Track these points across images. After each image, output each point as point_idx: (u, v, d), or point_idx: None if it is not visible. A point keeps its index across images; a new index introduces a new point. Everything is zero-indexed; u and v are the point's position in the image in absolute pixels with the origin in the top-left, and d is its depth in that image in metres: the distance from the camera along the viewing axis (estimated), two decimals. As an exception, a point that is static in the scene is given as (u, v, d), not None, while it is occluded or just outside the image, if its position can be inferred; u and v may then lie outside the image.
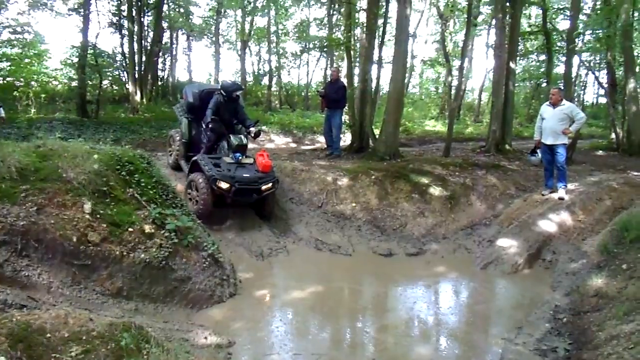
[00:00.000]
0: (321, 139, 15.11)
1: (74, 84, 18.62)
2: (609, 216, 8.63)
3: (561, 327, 5.91)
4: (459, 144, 15.64)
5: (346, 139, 14.50)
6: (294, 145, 15.51)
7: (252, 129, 9.02)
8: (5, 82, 18.40)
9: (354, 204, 9.40)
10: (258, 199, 8.43)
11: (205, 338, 5.11)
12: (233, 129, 9.01)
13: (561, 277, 7.42)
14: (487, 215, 9.46)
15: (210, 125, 8.65)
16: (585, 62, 22.46)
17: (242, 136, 8.77)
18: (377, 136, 13.00)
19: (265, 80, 26.73)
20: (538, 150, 9.53)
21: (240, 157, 8.47)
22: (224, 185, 8.02)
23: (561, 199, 9.13)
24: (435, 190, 9.70)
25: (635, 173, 11.53)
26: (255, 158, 8.62)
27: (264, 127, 15.72)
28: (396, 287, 7.40)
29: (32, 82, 19.02)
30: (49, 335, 2.75)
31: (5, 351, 2.57)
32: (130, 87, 19.16)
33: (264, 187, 8.28)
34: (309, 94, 26.82)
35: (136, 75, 19.12)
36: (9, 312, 3.28)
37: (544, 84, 21.91)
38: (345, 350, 5.57)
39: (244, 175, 8.22)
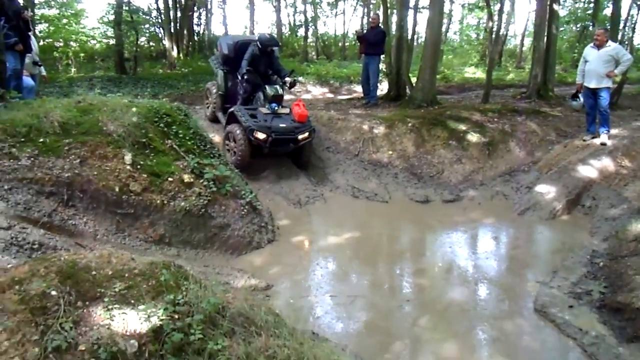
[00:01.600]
0: (358, 88, 15.03)
1: (112, 42, 18.89)
2: (653, 160, 8.48)
3: (597, 271, 5.93)
4: (499, 91, 15.33)
5: (383, 87, 14.40)
6: (330, 95, 15.49)
7: (287, 79, 9.09)
8: (45, 43, 18.78)
9: (390, 152, 9.44)
10: (295, 148, 8.54)
11: (245, 281, 5.34)
12: (269, 79, 9.10)
13: (600, 222, 7.38)
14: (525, 162, 9.38)
15: (245, 77, 8.74)
16: (637, 1, 21.49)
17: (278, 86, 8.84)
18: (414, 84, 12.90)
19: (302, 32, 26.55)
20: (580, 95, 9.34)
21: (276, 108, 8.55)
22: (260, 135, 8.12)
23: (603, 144, 8.94)
24: (473, 137, 9.64)
25: (684, 117, 11.21)
26: (291, 108, 8.69)
27: (300, 78, 15.72)
28: (432, 233, 7.48)
29: (71, 42, 19.38)
30: (94, 272, 2.95)
31: (56, 286, 2.78)
32: (166, 42, 19.34)
33: (300, 137, 8.37)
34: (346, 43, 26.54)
35: (172, 31, 19.27)
36: (58, 252, 3.52)
37: (591, 28, 21.13)
38: (380, 292, 5.72)
39: (281, 125, 8.29)
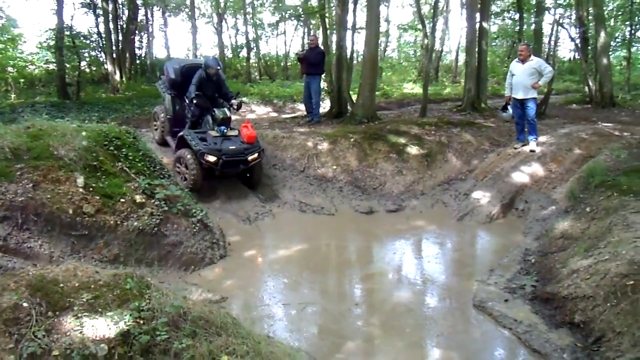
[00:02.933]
0: (301, 107, 15.38)
1: (52, 67, 18.65)
2: (578, 165, 9.03)
3: (530, 267, 6.42)
4: (436, 105, 16.02)
5: (325, 105, 14.83)
6: (274, 114, 15.80)
7: (234, 101, 9.30)
8: (-19, 69, 18.43)
9: (334, 167, 9.80)
10: (245, 169, 8.76)
11: (199, 294, 5.55)
12: (216, 102, 9.27)
13: (532, 223, 7.92)
14: (462, 171, 9.90)
15: (194, 101, 8.85)
16: (558, 19, 22.82)
17: (226, 109, 9.01)
18: (354, 101, 13.36)
19: (244, 53, 26.85)
20: (509, 106, 9.91)
21: (225, 130, 8.70)
22: (211, 158, 8.29)
23: (532, 151, 9.52)
24: (412, 149, 10.11)
25: (605, 124, 11.99)
26: (239, 130, 8.89)
27: (244, 99, 15.96)
28: (378, 242, 7.87)
29: (9, 68, 19.05)
30: (62, 285, 3.15)
31: (27, 298, 2.96)
32: (109, 66, 19.21)
33: (250, 158, 8.59)
34: (288, 63, 26.99)
35: (114, 55, 19.18)
36: (25, 268, 3.69)
37: (516, 44, 22.24)
38: (331, 298, 6.04)
39: (230, 147, 8.47)
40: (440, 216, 8.70)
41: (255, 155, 8.68)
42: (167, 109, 9.97)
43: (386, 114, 14.20)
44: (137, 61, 22.66)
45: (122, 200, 6.28)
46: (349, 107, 13.44)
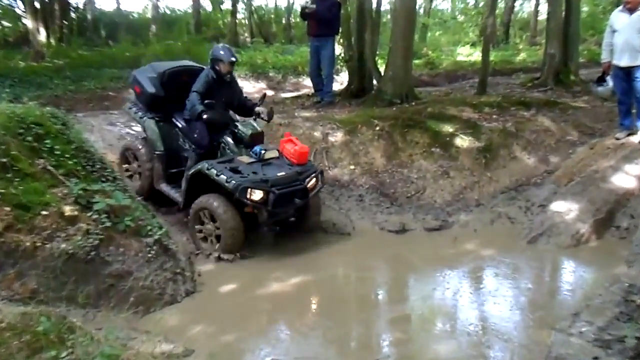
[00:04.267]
0: (307, 82, 15.51)
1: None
2: None
3: (634, 311, 6.36)
4: (504, 78, 16.10)
5: (341, 79, 14.91)
6: (270, 92, 15.82)
7: (259, 108, 9.05)
8: None
9: (352, 167, 9.92)
10: (302, 204, 8.53)
11: (154, 346, 5.59)
12: (231, 117, 9.18)
13: (640, 248, 7.92)
14: (537, 172, 9.94)
15: (205, 116, 8.41)
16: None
17: (252, 122, 8.90)
18: (382, 73, 13.45)
19: (228, 4, 26.93)
20: (608, 78, 9.86)
21: (262, 152, 8.49)
22: (257, 195, 7.96)
23: (643, 143, 9.53)
24: (464, 141, 10.19)
25: None
26: (279, 149, 8.72)
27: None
28: (412, 272, 8.01)
29: None
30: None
31: None
32: (29, 22, 19.03)
33: (309, 185, 8.42)
34: (292, 20, 27.00)
35: (36, 5, 19.06)
36: None
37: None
38: (344, 352, 6.07)
39: (279, 174, 8.23)
40: (504, 237, 8.74)
41: (314, 180, 8.52)
42: (152, 142, 9.32)
43: (428, 92, 14.30)
44: (73, 15, 22.63)
45: (43, 212, 6.28)
46: (374, 82, 13.49)
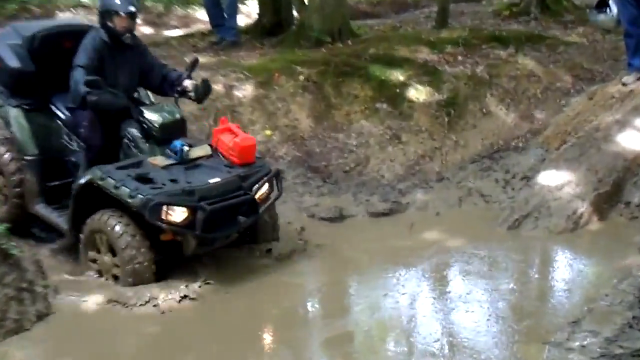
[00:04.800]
0: (202, 14, 15.41)
1: None
2: None
3: (651, 315, 6.66)
4: (472, 5, 16.21)
5: (249, 10, 14.91)
6: (148, 31, 15.76)
7: (187, 82, 8.34)
8: None
9: (268, 132, 9.96)
10: (249, 224, 8.11)
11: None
12: (137, 99, 8.64)
13: (658, 230, 8.19)
14: (519, 132, 10.16)
15: (91, 98, 7.72)
16: None
17: (167, 105, 8.27)
18: (306, 1, 13.44)
19: None
20: (611, 1, 10.08)
21: (185, 148, 7.84)
22: (178, 214, 7.36)
23: (658, 88, 9.78)
24: (420, 93, 10.34)
25: None
26: (212, 142, 8.24)
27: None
28: (354, 275, 8.08)
29: None
30: None
31: None
32: None
33: (258, 195, 7.92)
34: None
35: None
36: None
37: None
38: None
39: (210, 180, 7.63)
40: (476, 222, 8.91)
41: (266, 186, 8.06)
42: (20, 143, 8.65)
43: (370, 26, 14.38)
44: None
45: None
46: (294, 14, 13.52)
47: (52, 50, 8.63)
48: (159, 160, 7.73)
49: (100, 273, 7.75)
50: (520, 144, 9.98)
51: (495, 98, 10.47)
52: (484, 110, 10.36)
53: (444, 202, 9.25)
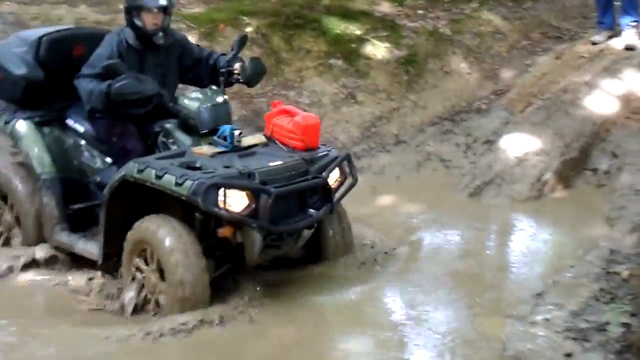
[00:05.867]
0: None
1: None
2: None
3: (618, 287, 6.49)
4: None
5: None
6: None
7: (237, 65, 7.53)
8: None
9: (210, 88, 9.69)
10: (324, 215, 7.18)
11: None
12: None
13: (626, 199, 8.05)
14: (482, 93, 10.09)
15: (117, 86, 6.84)
16: None
17: (209, 90, 7.39)
18: None
19: None
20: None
21: (235, 133, 7.03)
22: (238, 199, 6.53)
23: (630, 48, 9.67)
24: (378, 50, 10.18)
25: None
26: (268, 131, 7.39)
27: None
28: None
29: None
30: None
31: None
32: None
33: (333, 181, 7.15)
34: None
35: None
36: None
37: None
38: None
39: (271, 164, 6.85)
40: (436, 188, 8.83)
41: (337, 172, 7.26)
42: (34, 161, 7.81)
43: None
44: None
45: None
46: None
47: (62, 56, 7.85)
48: (206, 149, 6.86)
49: (139, 290, 6.81)
50: (483, 106, 9.88)
51: (458, 56, 10.36)
52: (446, 69, 10.24)
53: (402, 167, 9.16)
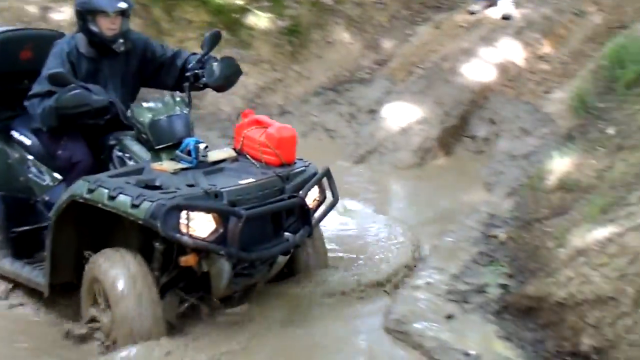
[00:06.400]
0: None
1: None
2: (596, 45, 9.57)
3: (496, 250, 6.77)
4: None
5: None
6: None
7: (215, 65, 6.67)
8: None
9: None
10: (302, 239, 6.45)
11: None
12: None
13: (503, 164, 8.34)
14: (364, 63, 10.34)
15: (59, 100, 6.14)
16: None
17: (166, 98, 6.68)
18: None
19: None
20: None
21: (200, 146, 6.28)
22: (202, 223, 5.77)
23: (507, 18, 10.00)
24: (261, 20, 10.30)
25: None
26: (237, 144, 6.67)
27: None
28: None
29: None
30: None
31: None
32: None
33: (311, 200, 6.50)
34: None
35: None
36: None
37: None
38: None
39: (241, 182, 6.10)
40: (320, 156, 8.66)
41: (315, 191, 6.54)
42: None
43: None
44: None
45: None
46: None
47: (8, 59, 7.13)
48: (167, 165, 6.10)
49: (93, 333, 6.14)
50: (366, 76, 10.11)
51: (340, 26, 10.53)
52: (328, 39, 10.44)
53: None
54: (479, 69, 9.33)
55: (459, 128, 8.98)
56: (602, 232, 5.94)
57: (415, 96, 9.21)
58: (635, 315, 5.09)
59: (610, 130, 7.54)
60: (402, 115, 9.07)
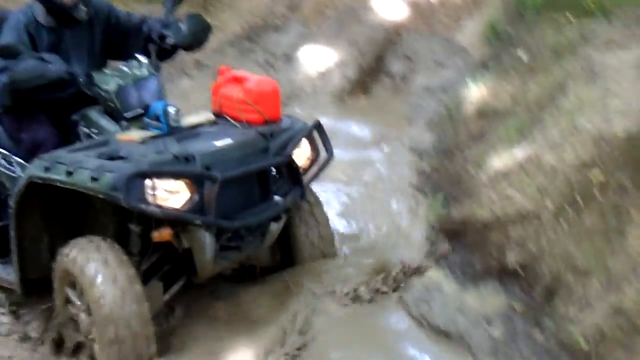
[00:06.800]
0: None
1: None
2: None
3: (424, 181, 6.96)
4: None
5: None
6: None
7: (182, 23, 6.13)
8: None
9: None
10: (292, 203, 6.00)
11: None
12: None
13: (421, 98, 8.46)
14: (277, 10, 10.30)
15: (10, 74, 5.60)
16: None
17: (131, 63, 6.11)
18: None
19: None
20: None
21: (170, 110, 5.65)
22: (172, 189, 5.24)
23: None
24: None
25: None
26: (216, 105, 6.10)
27: None
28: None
29: None
30: None
31: None
32: None
33: (304, 159, 6.01)
34: None
35: None
36: None
37: None
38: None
39: (218, 143, 5.55)
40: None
41: (306, 147, 6.06)
42: None
43: None
44: None
45: None
46: None
47: None
48: (135, 134, 5.49)
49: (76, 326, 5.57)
50: (280, 22, 10.08)
51: (252, -27, 10.43)
52: (241, -12, 10.30)
53: (205, 90, 9.12)
54: (391, 6, 9.37)
55: (375, 67, 9.04)
56: (520, 153, 6.15)
57: (330, 39, 9.27)
58: (557, 229, 5.27)
59: (522, 55, 7.68)
60: (318, 59, 9.15)
